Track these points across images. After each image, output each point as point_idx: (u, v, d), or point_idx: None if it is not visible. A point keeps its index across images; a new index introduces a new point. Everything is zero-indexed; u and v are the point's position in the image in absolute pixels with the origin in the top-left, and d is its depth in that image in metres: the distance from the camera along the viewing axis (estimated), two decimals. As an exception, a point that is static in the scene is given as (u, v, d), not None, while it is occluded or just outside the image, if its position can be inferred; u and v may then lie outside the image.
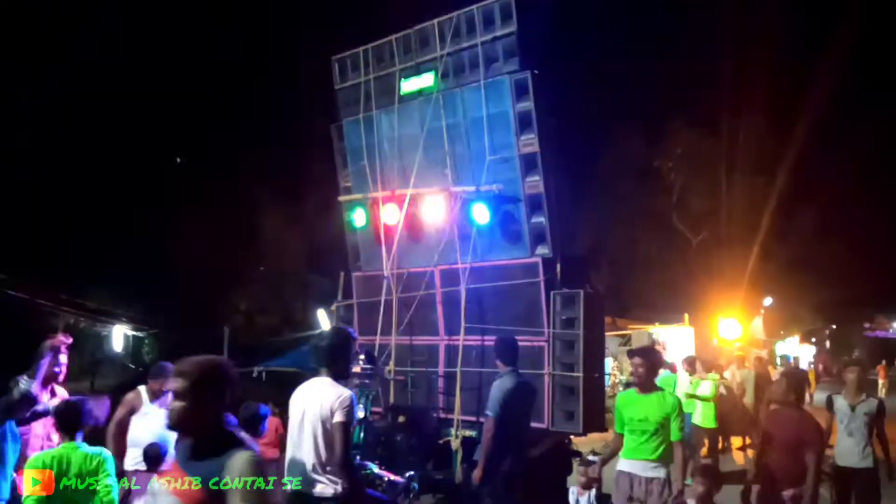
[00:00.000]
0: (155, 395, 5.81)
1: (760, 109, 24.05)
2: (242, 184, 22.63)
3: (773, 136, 24.35)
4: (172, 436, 5.80)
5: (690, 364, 11.06)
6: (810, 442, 5.26)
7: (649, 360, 5.46)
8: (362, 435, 6.22)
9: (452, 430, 6.96)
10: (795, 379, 5.97)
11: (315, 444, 3.89)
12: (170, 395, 2.62)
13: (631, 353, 6.53)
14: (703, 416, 10.24)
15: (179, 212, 21.33)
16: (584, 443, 7.62)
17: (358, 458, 5.43)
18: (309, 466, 3.89)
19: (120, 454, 5.47)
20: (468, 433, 6.90)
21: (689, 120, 26.01)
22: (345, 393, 3.94)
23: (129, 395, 5.88)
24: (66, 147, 20.39)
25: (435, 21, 7.50)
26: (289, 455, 4.04)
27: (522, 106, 6.85)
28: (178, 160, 24.88)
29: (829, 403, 6.10)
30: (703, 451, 10.59)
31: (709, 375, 10.54)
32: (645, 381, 5.32)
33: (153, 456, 4.99)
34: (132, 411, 5.76)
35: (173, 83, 22.70)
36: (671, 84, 25.74)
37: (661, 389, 5.46)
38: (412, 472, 6.03)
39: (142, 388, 5.88)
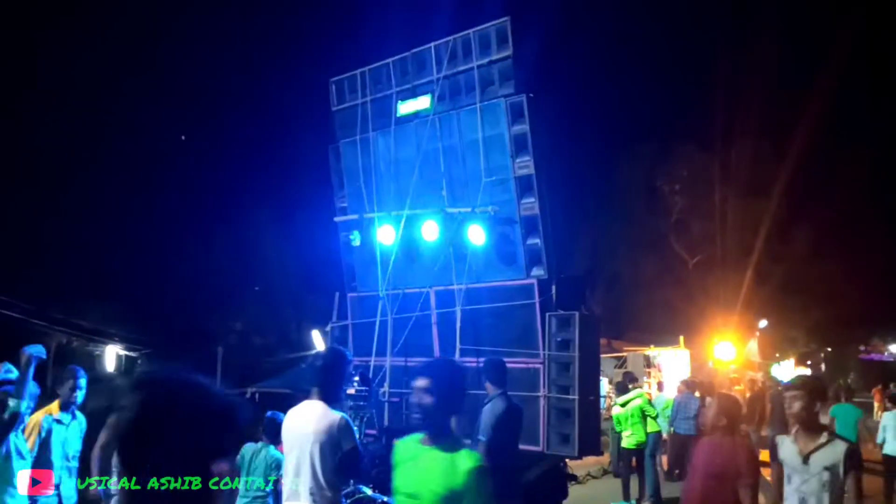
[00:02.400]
0: None
1: (756, 134, 24.27)
2: (239, 203, 22.66)
3: (768, 160, 24.52)
4: None
5: (689, 385, 11.11)
6: (740, 474, 4.22)
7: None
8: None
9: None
10: (727, 402, 4.74)
11: (311, 469, 3.85)
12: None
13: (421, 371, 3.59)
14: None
15: (173, 231, 21.31)
16: (580, 465, 7.58)
17: (352, 481, 5.38)
18: (305, 491, 3.85)
19: (102, 478, 5.44)
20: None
21: (687, 143, 26.20)
22: (337, 418, 3.90)
23: (114, 419, 5.83)
24: (60, 164, 20.40)
25: (432, 45, 7.57)
26: (287, 481, 3.99)
27: (518, 129, 6.89)
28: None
29: (773, 449, 4.12)
30: None
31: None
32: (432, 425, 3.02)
33: None
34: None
35: (169, 102, 22.81)
36: (668, 108, 25.99)
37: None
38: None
39: None
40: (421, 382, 3.04)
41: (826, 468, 3.76)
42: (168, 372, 1.50)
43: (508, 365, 6.85)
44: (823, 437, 3.85)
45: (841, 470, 3.73)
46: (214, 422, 1.44)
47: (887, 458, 9.56)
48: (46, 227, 19.84)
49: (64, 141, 20.68)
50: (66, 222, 20.10)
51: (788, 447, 3.96)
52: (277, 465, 5.33)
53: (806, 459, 3.82)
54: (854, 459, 3.78)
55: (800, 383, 3.99)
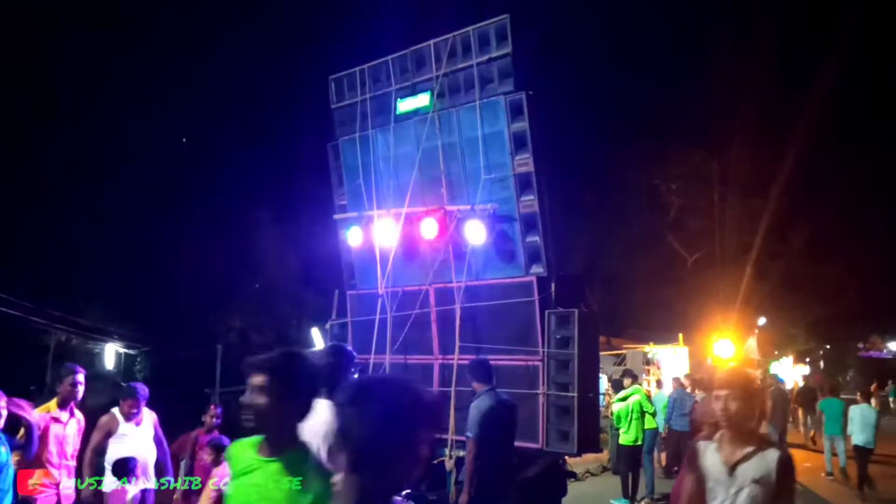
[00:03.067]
0: (128, 417, 5.76)
1: (755, 130, 24.25)
2: (238, 201, 22.65)
3: (767, 157, 24.53)
4: (151, 455, 5.79)
5: (688, 381, 11.18)
6: None
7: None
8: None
9: (446, 450, 6.93)
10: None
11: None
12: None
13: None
14: None
15: (173, 229, 21.30)
16: (579, 463, 7.60)
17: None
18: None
19: (97, 478, 5.44)
20: (462, 453, 6.86)
21: (685, 141, 26.20)
22: None
23: (105, 419, 5.80)
24: (59, 163, 20.38)
25: (431, 42, 7.56)
26: None
27: (517, 126, 6.89)
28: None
29: (692, 458, 3.44)
30: None
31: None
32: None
33: (122, 468, 4.96)
34: (109, 434, 5.69)
35: (167, 99, 22.77)
36: (667, 105, 25.96)
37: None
38: (406, 492, 5.99)
39: (115, 410, 5.81)
40: (256, 380, 2.49)
41: (755, 480, 3.17)
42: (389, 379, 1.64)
43: (508, 363, 6.90)
44: (753, 445, 3.22)
45: (773, 482, 3.15)
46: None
47: (857, 448, 10.86)
48: (46, 226, 19.84)
49: (62, 140, 20.67)
50: (65, 220, 20.10)
51: (712, 456, 3.31)
52: None
53: (732, 470, 3.22)
54: (788, 469, 3.19)
55: (738, 381, 3.31)
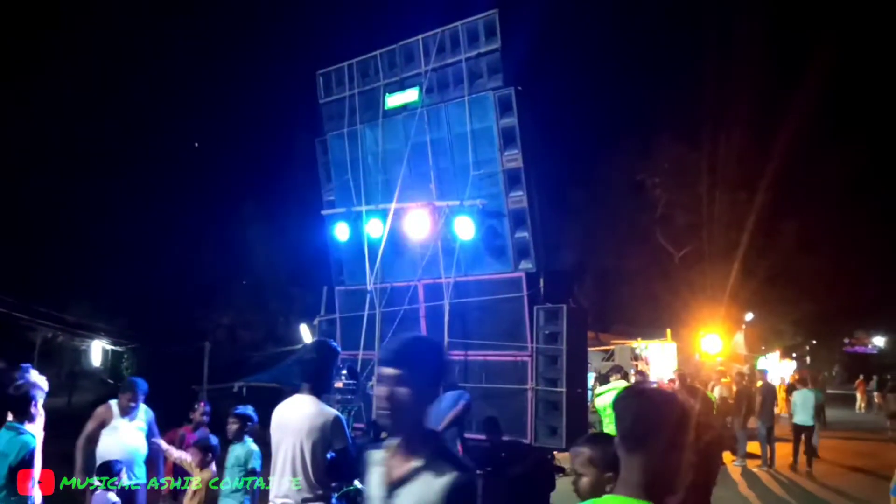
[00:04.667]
0: (124, 410, 5.73)
1: (742, 126, 24.36)
2: (226, 196, 22.53)
3: (754, 153, 24.64)
4: (141, 451, 5.75)
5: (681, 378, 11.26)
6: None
7: None
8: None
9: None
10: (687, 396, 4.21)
11: (303, 464, 3.82)
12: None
13: None
14: None
15: (160, 224, 21.17)
16: (568, 458, 7.61)
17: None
18: (294, 487, 3.83)
19: (87, 467, 5.40)
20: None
21: (673, 136, 26.27)
22: (332, 416, 3.88)
23: (100, 409, 5.79)
24: (46, 160, 20.20)
25: (419, 37, 7.54)
26: (276, 475, 3.95)
27: (506, 122, 6.88)
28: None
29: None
30: None
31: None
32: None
33: (107, 471, 4.93)
34: (102, 425, 5.68)
35: (155, 96, 22.62)
36: (655, 100, 26.06)
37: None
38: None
39: (113, 403, 5.80)
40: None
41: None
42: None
43: (497, 358, 6.92)
44: (422, 459, 2.25)
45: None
46: None
47: (796, 426, 12.42)
48: (32, 222, 19.67)
49: (49, 138, 20.49)
50: (51, 217, 19.94)
51: (376, 470, 2.41)
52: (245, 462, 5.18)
53: (390, 492, 2.30)
54: (465, 498, 2.23)
55: (413, 353, 2.32)
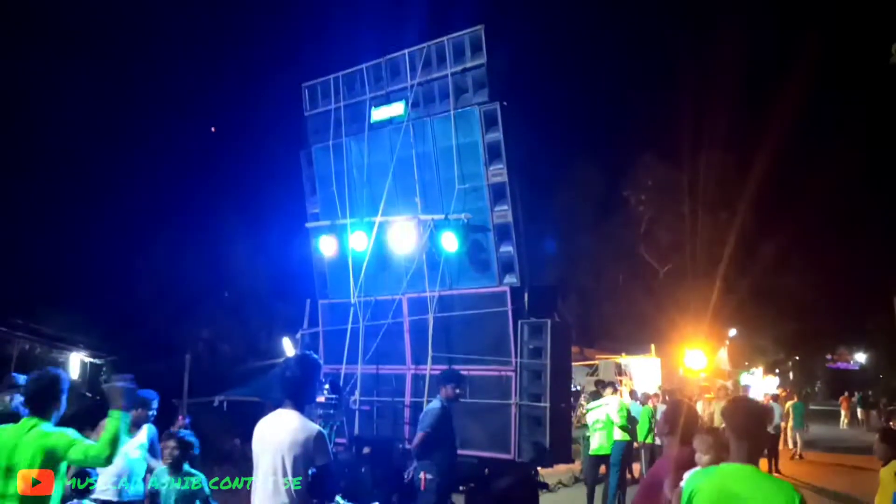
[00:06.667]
0: (134, 426, 5.63)
1: (724, 146, 24.64)
2: (207, 208, 22.37)
3: (735, 173, 24.91)
4: (140, 467, 5.65)
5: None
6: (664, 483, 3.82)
7: None
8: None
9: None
10: (670, 408, 4.44)
11: (287, 480, 3.74)
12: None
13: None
14: None
15: (140, 235, 20.97)
16: (551, 474, 7.56)
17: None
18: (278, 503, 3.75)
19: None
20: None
21: (656, 154, 26.53)
22: (314, 432, 3.82)
23: (105, 422, 5.68)
24: (23, 167, 19.97)
25: (406, 51, 7.56)
26: (258, 492, 3.87)
27: (491, 136, 6.89)
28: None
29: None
30: None
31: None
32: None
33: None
34: None
35: (136, 105, 22.47)
36: (639, 118, 26.29)
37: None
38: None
39: None
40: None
41: None
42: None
43: (481, 373, 6.87)
44: None
45: None
46: None
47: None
48: (7, 231, 19.40)
49: (24, 144, 20.26)
50: (27, 225, 19.68)
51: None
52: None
53: None
54: None
55: None
